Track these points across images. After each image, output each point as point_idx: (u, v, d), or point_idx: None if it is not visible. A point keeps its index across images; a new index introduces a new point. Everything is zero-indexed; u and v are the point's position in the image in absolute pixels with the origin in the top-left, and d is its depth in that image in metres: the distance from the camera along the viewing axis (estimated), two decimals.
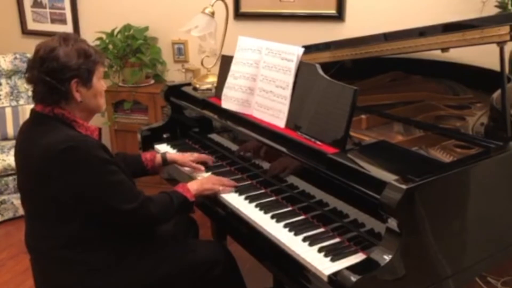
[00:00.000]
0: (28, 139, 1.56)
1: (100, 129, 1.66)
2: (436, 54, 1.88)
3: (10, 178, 3.12)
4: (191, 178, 1.96)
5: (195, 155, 2.02)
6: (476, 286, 2.25)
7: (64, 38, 1.54)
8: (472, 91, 2.11)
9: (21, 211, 3.14)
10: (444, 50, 1.66)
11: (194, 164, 1.98)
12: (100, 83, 1.61)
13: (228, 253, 1.79)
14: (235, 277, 1.80)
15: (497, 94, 1.72)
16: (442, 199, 1.36)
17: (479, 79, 2.11)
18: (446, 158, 1.63)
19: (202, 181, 1.80)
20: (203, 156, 2.04)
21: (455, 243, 1.45)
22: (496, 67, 1.64)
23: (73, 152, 1.44)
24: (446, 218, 1.39)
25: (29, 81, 1.55)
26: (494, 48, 1.59)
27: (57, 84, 1.49)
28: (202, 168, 1.97)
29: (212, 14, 2.27)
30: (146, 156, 1.99)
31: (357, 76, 2.27)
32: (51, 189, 1.47)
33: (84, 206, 1.49)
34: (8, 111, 3.38)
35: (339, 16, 2.89)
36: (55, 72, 1.48)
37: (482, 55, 1.88)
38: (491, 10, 2.31)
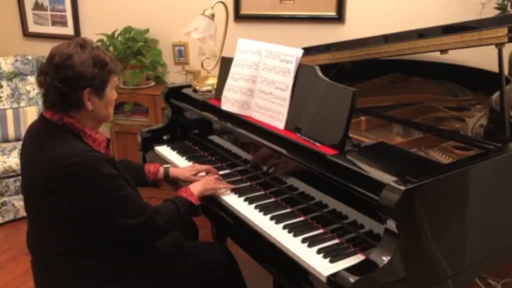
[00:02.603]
0: (35, 146, 1.53)
1: (108, 140, 1.61)
2: (436, 56, 1.88)
3: (11, 180, 3.12)
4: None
5: (196, 168, 1.97)
6: (476, 287, 2.25)
7: (81, 44, 1.50)
8: (472, 93, 2.11)
9: (21, 213, 3.14)
10: (443, 52, 1.66)
11: (196, 178, 1.93)
12: (112, 93, 1.58)
13: (228, 255, 1.79)
14: (236, 279, 1.80)
15: (496, 95, 1.72)
16: (440, 200, 1.36)
17: (478, 81, 2.11)
18: (445, 159, 1.63)
19: (204, 181, 1.80)
20: (204, 168, 1.98)
21: (454, 244, 1.45)
22: (496, 68, 1.64)
23: (78, 168, 1.41)
24: (445, 219, 1.39)
25: (40, 85, 1.51)
26: (494, 50, 1.59)
27: (69, 92, 1.45)
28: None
29: (212, 16, 2.28)
30: (150, 168, 1.95)
31: (357, 78, 2.28)
32: (55, 203, 1.45)
33: (89, 221, 1.47)
34: (9, 113, 3.39)
35: (339, 18, 2.89)
36: (69, 80, 1.45)
37: (481, 56, 1.88)
38: (490, 12, 2.32)
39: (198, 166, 1.99)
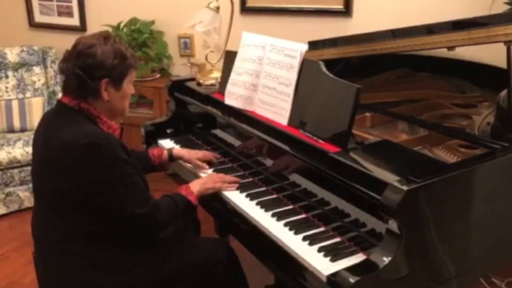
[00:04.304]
0: (50, 129, 1.57)
1: (122, 128, 1.66)
2: (443, 51, 1.85)
3: (16, 170, 3.13)
4: (193, 174, 1.95)
5: (201, 153, 2.02)
6: (480, 286, 2.23)
7: (105, 37, 1.56)
8: (480, 90, 2.08)
9: (26, 204, 3.16)
10: (450, 48, 1.63)
11: (199, 162, 1.98)
12: (129, 87, 1.63)
13: (230, 251, 1.78)
14: (237, 275, 1.79)
15: (504, 93, 1.69)
16: (444, 201, 1.34)
17: (487, 77, 2.07)
18: (450, 158, 1.60)
19: (204, 180, 1.80)
20: (209, 155, 2.03)
21: (458, 245, 1.44)
22: (504, 64, 1.60)
23: (93, 148, 1.45)
24: (448, 220, 1.37)
25: (61, 71, 1.57)
26: (503, 45, 1.55)
27: (88, 79, 1.51)
28: (206, 166, 1.97)
29: (217, 9, 2.26)
30: (154, 152, 2.00)
31: (363, 73, 2.25)
32: (66, 182, 1.48)
33: (96, 203, 1.49)
34: (15, 104, 3.39)
35: (346, 11, 2.86)
36: (88, 68, 1.51)
37: (490, 52, 1.84)
38: (500, 6, 2.28)
39: (202, 152, 2.03)
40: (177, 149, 2.04)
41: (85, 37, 1.57)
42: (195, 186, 1.74)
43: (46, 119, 1.63)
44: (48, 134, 1.56)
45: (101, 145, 1.46)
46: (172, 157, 2.01)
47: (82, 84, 1.52)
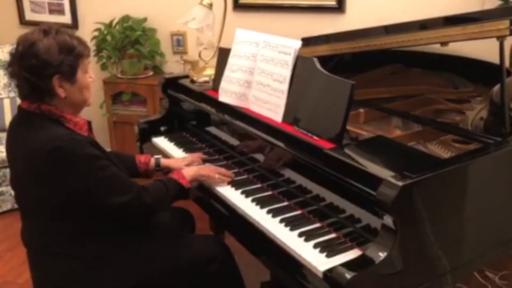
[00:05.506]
0: (16, 138, 1.53)
1: (89, 123, 1.60)
2: (437, 47, 1.86)
3: (8, 170, 3.11)
4: None
5: (188, 159, 1.99)
6: (474, 280, 2.25)
7: (45, 30, 1.46)
8: (473, 85, 2.09)
9: None
10: (443, 44, 1.63)
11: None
12: (85, 77, 1.54)
13: (225, 248, 1.78)
14: (232, 272, 1.79)
15: (497, 88, 1.70)
16: (438, 196, 1.35)
17: (480, 72, 2.08)
18: (444, 153, 1.61)
19: (200, 167, 1.81)
20: (197, 158, 1.99)
21: (453, 239, 1.44)
22: (497, 59, 1.61)
23: (60, 152, 1.41)
24: (443, 214, 1.38)
25: (11, 76, 1.51)
26: (495, 41, 1.56)
27: (38, 81, 1.43)
28: None
29: (210, 6, 2.25)
30: (141, 158, 1.95)
31: (356, 69, 2.25)
32: (44, 189, 1.46)
33: (78, 204, 1.47)
34: (6, 102, 3.37)
35: (339, 7, 2.86)
36: (35, 69, 1.42)
37: (483, 47, 1.85)
38: (493, 2, 2.29)
39: (189, 158, 2.00)
40: (165, 159, 1.98)
41: (26, 35, 1.45)
42: (190, 171, 1.74)
43: (12, 127, 1.56)
44: (15, 143, 1.53)
45: (69, 147, 1.41)
46: (159, 166, 1.96)
47: (34, 87, 1.44)
